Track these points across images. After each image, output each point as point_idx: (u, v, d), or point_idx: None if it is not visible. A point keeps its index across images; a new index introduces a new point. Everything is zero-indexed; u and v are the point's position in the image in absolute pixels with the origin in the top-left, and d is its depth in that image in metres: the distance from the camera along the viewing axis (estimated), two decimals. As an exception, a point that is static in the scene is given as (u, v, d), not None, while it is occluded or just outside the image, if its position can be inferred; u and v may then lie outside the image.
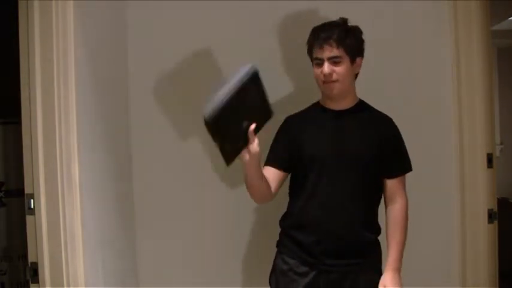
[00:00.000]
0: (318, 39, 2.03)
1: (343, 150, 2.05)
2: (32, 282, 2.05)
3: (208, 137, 2.66)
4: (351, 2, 2.56)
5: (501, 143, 5.31)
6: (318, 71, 2.04)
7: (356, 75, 2.11)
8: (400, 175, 2.12)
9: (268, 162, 2.12)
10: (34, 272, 2.04)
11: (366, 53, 2.59)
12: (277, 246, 2.18)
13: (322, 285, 2.05)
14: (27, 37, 2.04)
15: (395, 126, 2.14)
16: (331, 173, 2.04)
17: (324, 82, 2.03)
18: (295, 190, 2.13)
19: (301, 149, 2.08)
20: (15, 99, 2.10)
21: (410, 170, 2.15)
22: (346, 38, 2.02)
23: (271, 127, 2.15)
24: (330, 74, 2.01)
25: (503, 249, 2.58)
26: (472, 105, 2.47)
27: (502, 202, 3.16)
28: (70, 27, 2.06)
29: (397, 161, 2.12)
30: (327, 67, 2.00)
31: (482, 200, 2.46)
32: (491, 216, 2.46)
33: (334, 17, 2.57)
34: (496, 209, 2.48)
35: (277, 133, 2.17)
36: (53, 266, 2.02)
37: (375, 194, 2.12)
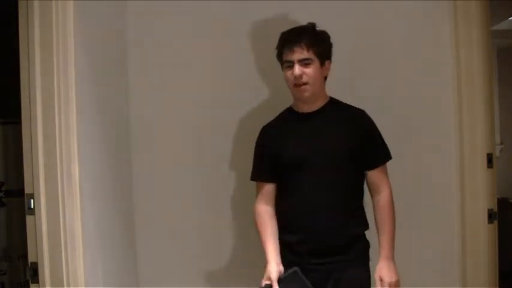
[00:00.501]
0: (288, 43, 2.07)
1: (319, 149, 2.08)
2: (32, 282, 2.05)
3: (208, 138, 2.69)
4: (351, 2, 2.56)
5: (501, 143, 5.31)
6: (288, 73, 2.08)
7: (325, 78, 2.15)
8: (380, 165, 2.14)
9: (257, 179, 2.20)
10: (34, 272, 2.03)
11: (366, 53, 2.60)
12: None
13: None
14: (27, 37, 2.03)
15: (369, 117, 2.17)
16: (311, 173, 2.07)
17: (295, 85, 2.07)
18: (279, 192, 2.18)
19: (280, 156, 2.12)
20: (15, 99, 2.10)
21: (390, 158, 2.16)
22: (315, 41, 2.07)
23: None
24: (301, 76, 2.04)
25: (503, 249, 2.58)
26: (472, 105, 2.47)
27: (502, 202, 3.16)
28: (70, 27, 2.06)
29: (375, 152, 2.13)
30: (297, 69, 2.04)
31: (482, 200, 2.46)
32: (491, 216, 2.46)
33: (334, 17, 2.58)
34: (496, 209, 2.48)
35: (256, 145, 2.23)
36: (53, 266, 2.02)
37: (357, 189, 2.14)
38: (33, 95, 2.03)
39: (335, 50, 2.57)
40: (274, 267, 2.03)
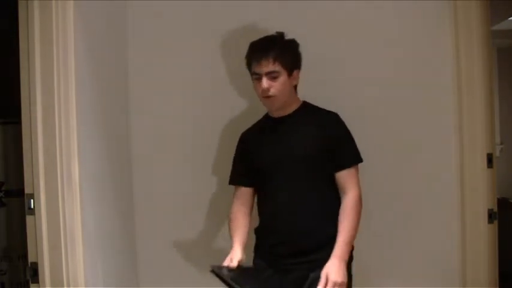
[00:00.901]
0: (255, 55, 2.11)
1: (288, 153, 2.12)
2: (32, 282, 2.05)
3: (208, 138, 2.69)
4: (351, 2, 2.56)
5: (501, 143, 5.30)
6: (257, 85, 2.12)
7: (295, 86, 2.18)
8: (346, 168, 2.13)
9: (234, 183, 2.28)
10: (34, 272, 2.03)
11: (366, 53, 2.60)
12: (254, 251, 2.25)
13: (285, 285, 2.10)
14: (27, 37, 2.03)
15: (339, 120, 2.18)
16: (283, 176, 2.13)
17: (264, 97, 2.11)
18: (258, 197, 2.25)
19: (254, 161, 2.20)
20: (15, 99, 2.10)
21: (358, 161, 2.16)
22: (283, 52, 2.09)
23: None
24: (268, 89, 2.07)
25: (503, 249, 2.58)
26: (472, 105, 2.47)
27: (502, 202, 3.16)
28: (70, 27, 2.06)
29: (342, 154, 2.13)
30: (265, 82, 2.07)
31: (482, 200, 2.46)
32: (491, 216, 2.46)
33: (334, 17, 2.58)
34: (496, 209, 2.48)
35: (236, 150, 2.30)
36: (53, 266, 2.02)
37: (329, 189, 2.15)
38: (33, 95, 2.03)
39: (336, 50, 2.58)
40: (238, 253, 2.08)
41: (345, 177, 2.12)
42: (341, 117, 2.18)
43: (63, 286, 2.02)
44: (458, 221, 2.51)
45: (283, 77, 2.09)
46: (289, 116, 2.18)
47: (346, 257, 2.05)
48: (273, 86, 2.08)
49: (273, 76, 2.07)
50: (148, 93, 2.67)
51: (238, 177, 2.27)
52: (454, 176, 2.51)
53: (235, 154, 2.30)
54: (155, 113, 2.68)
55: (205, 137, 2.67)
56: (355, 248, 2.14)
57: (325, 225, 2.10)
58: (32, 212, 2.05)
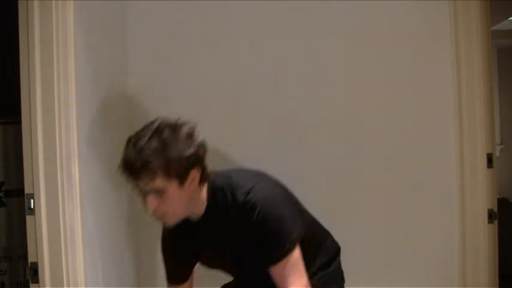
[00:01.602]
0: (130, 167, 1.59)
1: (218, 258, 1.87)
2: (32, 282, 2.05)
3: (208, 139, 2.68)
4: (351, 2, 2.56)
5: (501, 143, 5.31)
6: (143, 200, 1.64)
7: (204, 178, 1.69)
8: (275, 263, 1.68)
9: (168, 283, 1.95)
10: (34, 272, 2.03)
11: (365, 53, 2.59)
12: None
13: None
14: (27, 37, 2.03)
15: (255, 208, 1.68)
16: (231, 272, 1.97)
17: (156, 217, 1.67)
18: None
19: (183, 258, 1.91)
20: (15, 99, 2.10)
21: (287, 253, 1.69)
22: (164, 160, 1.56)
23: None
24: (156, 210, 1.63)
25: (503, 249, 2.57)
26: (472, 105, 2.47)
27: (502, 202, 3.16)
28: (70, 27, 2.06)
29: (267, 250, 1.70)
30: (150, 202, 1.60)
31: (482, 200, 2.46)
32: (491, 216, 2.46)
33: (333, 16, 2.57)
34: (496, 209, 2.48)
35: (161, 239, 1.93)
36: (53, 266, 2.02)
37: None
38: (33, 95, 2.03)
39: (335, 50, 2.57)
40: None
41: (278, 273, 1.69)
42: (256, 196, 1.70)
43: (63, 286, 2.02)
44: (458, 221, 2.50)
45: (172, 190, 1.59)
46: (204, 217, 1.75)
47: None
48: (162, 205, 1.61)
49: (158, 191, 1.59)
50: (148, 94, 2.67)
51: (171, 279, 1.93)
52: (454, 176, 2.51)
53: (161, 245, 1.92)
54: (155, 113, 2.67)
55: (206, 137, 2.66)
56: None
57: None
58: (32, 212, 2.04)
